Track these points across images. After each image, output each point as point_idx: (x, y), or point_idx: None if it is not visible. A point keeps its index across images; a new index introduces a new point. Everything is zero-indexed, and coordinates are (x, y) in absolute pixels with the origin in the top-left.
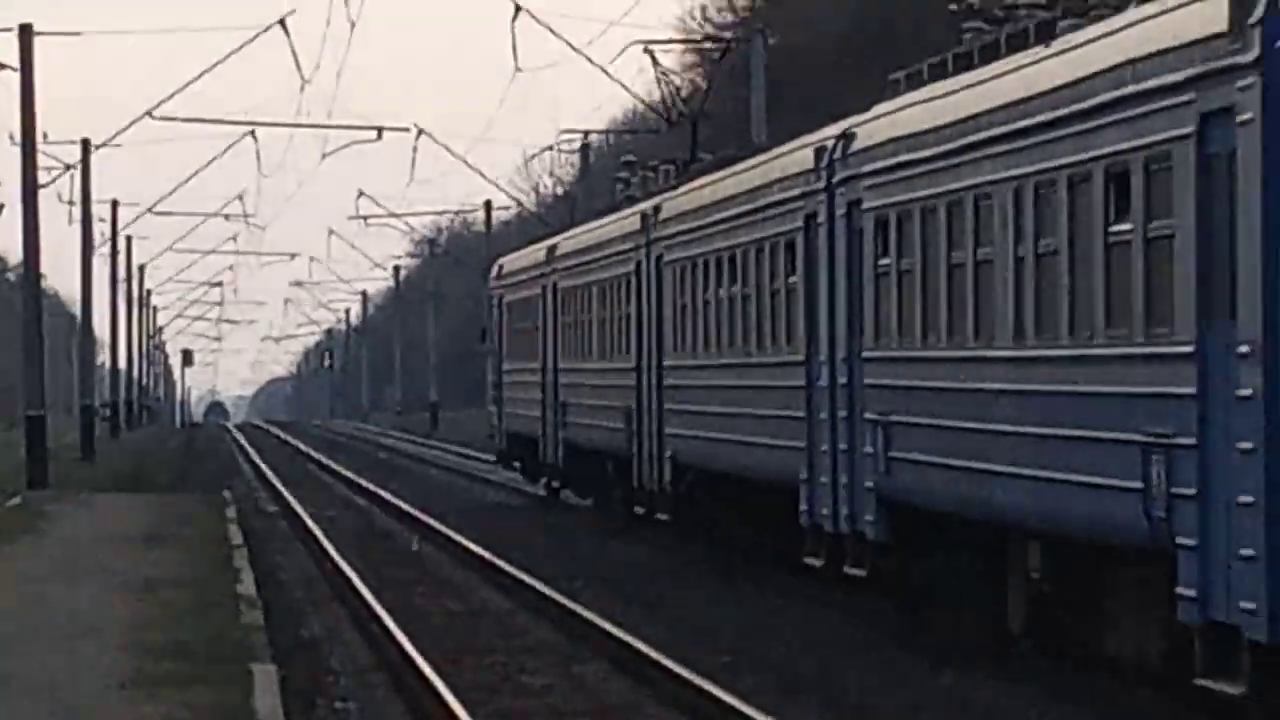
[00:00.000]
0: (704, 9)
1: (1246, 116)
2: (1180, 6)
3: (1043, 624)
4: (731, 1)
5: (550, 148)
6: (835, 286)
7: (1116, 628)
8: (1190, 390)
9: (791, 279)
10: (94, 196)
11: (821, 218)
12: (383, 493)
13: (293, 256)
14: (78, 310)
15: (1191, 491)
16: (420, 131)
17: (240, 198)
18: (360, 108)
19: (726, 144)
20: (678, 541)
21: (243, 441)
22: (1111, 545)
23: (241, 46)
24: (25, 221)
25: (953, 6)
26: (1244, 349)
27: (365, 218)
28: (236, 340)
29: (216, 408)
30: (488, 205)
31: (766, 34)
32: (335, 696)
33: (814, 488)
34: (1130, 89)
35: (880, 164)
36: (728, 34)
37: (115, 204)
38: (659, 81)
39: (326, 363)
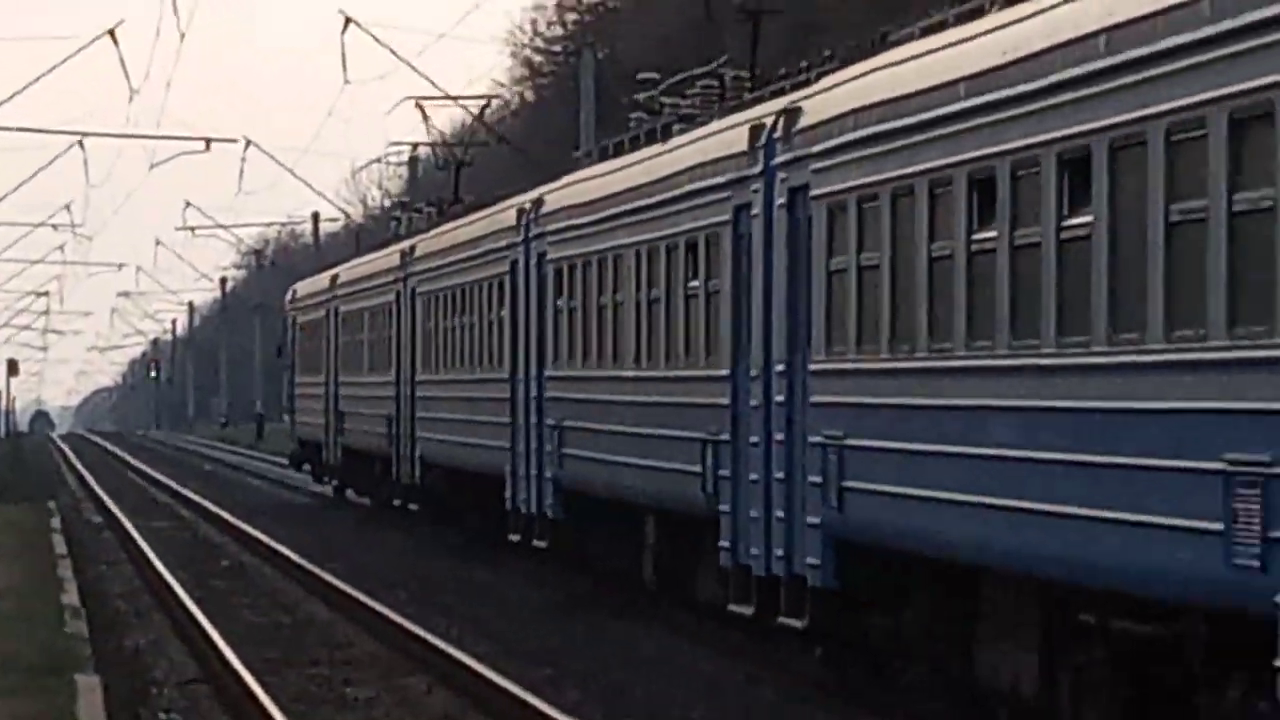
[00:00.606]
0: (534, 23)
1: (755, 211)
2: (726, 130)
3: (662, 576)
4: (561, 16)
5: (378, 160)
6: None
7: (701, 576)
8: (727, 401)
9: (502, 311)
10: None
11: (520, 265)
12: (207, 504)
13: (120, 267)
14: None
15: (728, 473)
16: (248, 143)
17: (68, 207)
18: (189, 119)
19: (559, 158)
20: (420, 524)
21: (67, 452)
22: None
23: (71, 56)
24: None
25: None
26: (753, 372)
27: (193, 229)
28: (62, 350)
29: (42, 417)
30: (315, 217)
31: (595, 48)
32: (159, 707)
33: (515, 479)
34: (696, 185)
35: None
36: (556, 48)
37: None
38: (429, 132)
39: (152, 373)
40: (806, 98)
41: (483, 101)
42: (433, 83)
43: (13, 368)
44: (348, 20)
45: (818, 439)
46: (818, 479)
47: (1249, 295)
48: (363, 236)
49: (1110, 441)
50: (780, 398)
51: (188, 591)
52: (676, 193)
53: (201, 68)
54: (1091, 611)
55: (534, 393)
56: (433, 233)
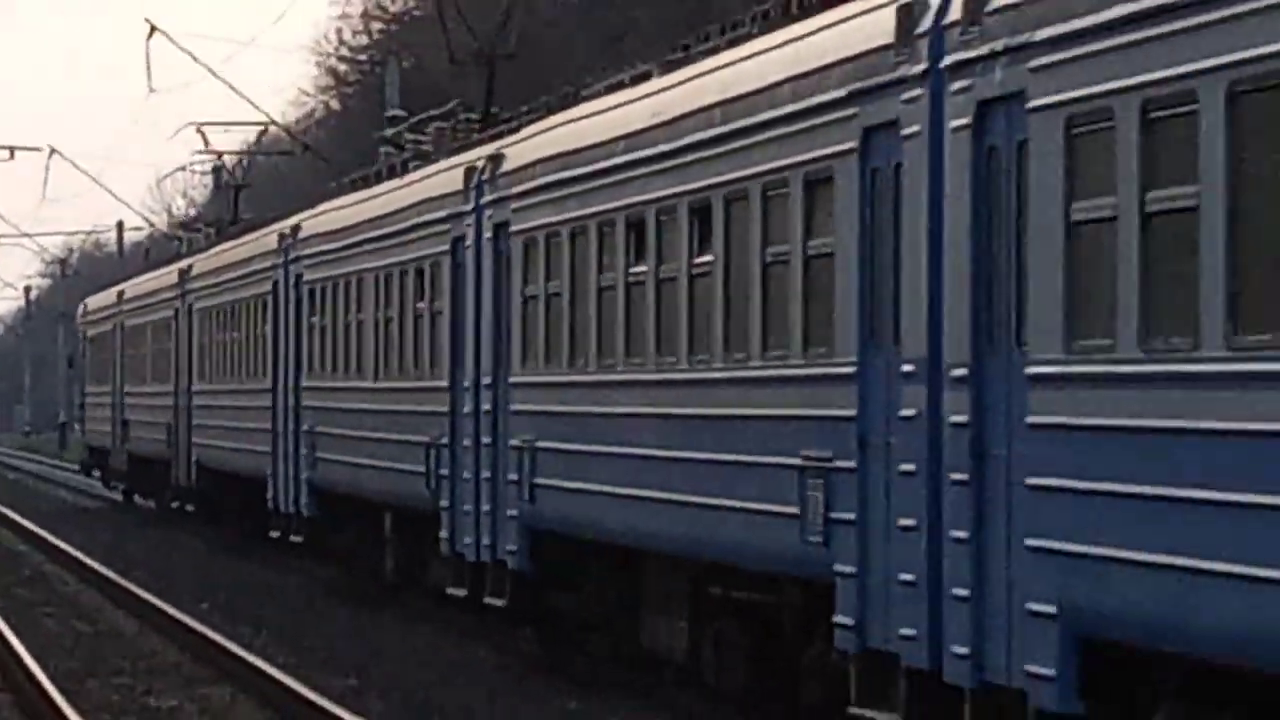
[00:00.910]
0: (339, 31)
1: (469, 243)
2: (446, 170)
3: (400, 567)
4: (367, 25)
5: (183, 168)
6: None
7: (431, 566)
8: (446, 409)
9: (265, 327)
10: None
11: (280, 284)
12: (10, 513)
13: None
14: None
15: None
16: (52, 151)
17: None
18: None
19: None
20: (199, 525)
21: None
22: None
23: None
24: None
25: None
26: (467, 384)
27: None
28: None
29: None
30: (120, 226)
31: (401, 57)
32: None
33: (276, 481)
34: (422, 218)
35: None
36: (362, 57)
37: None
38: (210, 158)
39: None
40: (509, 145)
41: (260, 127)
42: (237, 90)
43: None
44: (153, 28)
45: (515, 442)
46: (515, 476)
47: (817, 325)
48: (163, 248)
49: (727, 442)
50: (487, 406)
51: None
52: (406, 224)
53: (3, 74)
54: (720, 584)
55: (291, 401)
56: (208, 253)
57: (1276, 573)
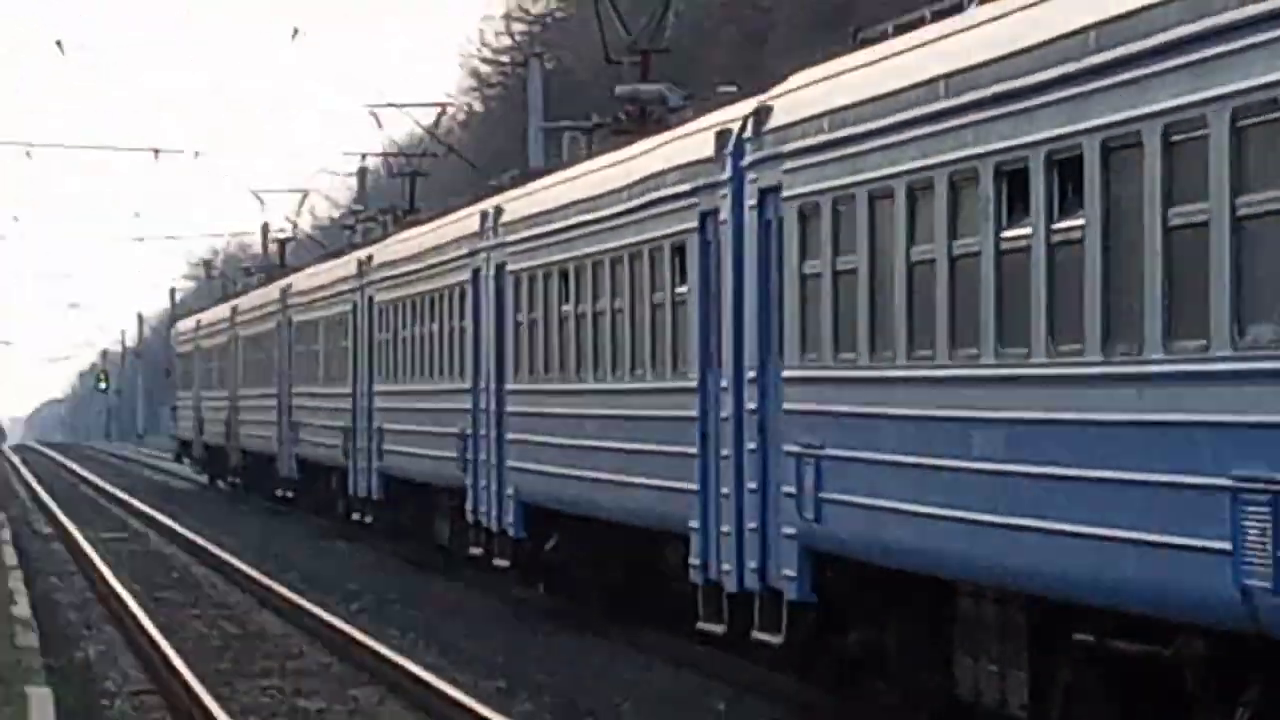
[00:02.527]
0: (481, 34)
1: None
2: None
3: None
4: (509, 26)
5: (326, 169)
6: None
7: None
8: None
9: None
10: None
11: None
12: (159, 515)
13: (69, 277)
14: None
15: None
16: (197, 154)
17: (16, 218)
18: (138, 129)
19: (507, 169)
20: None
21: (17, 464)
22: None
23: (19, 64)
24: None
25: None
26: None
27: (142, 239)
28: (10, 361)
29: None
30: (264, 228)
31: (543, 59)
32: (110, 719)
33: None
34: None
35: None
36: (504, 59)
37: None
38: (383, 142)
39: (101, 384)
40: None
41: (436, 110)
42: (382, 93)
43: None
44: (297, 31)
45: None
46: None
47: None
48: (307, 250)
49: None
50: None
51: (139, 603)
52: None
53: (152, 79)
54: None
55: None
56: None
57: (919, 507)
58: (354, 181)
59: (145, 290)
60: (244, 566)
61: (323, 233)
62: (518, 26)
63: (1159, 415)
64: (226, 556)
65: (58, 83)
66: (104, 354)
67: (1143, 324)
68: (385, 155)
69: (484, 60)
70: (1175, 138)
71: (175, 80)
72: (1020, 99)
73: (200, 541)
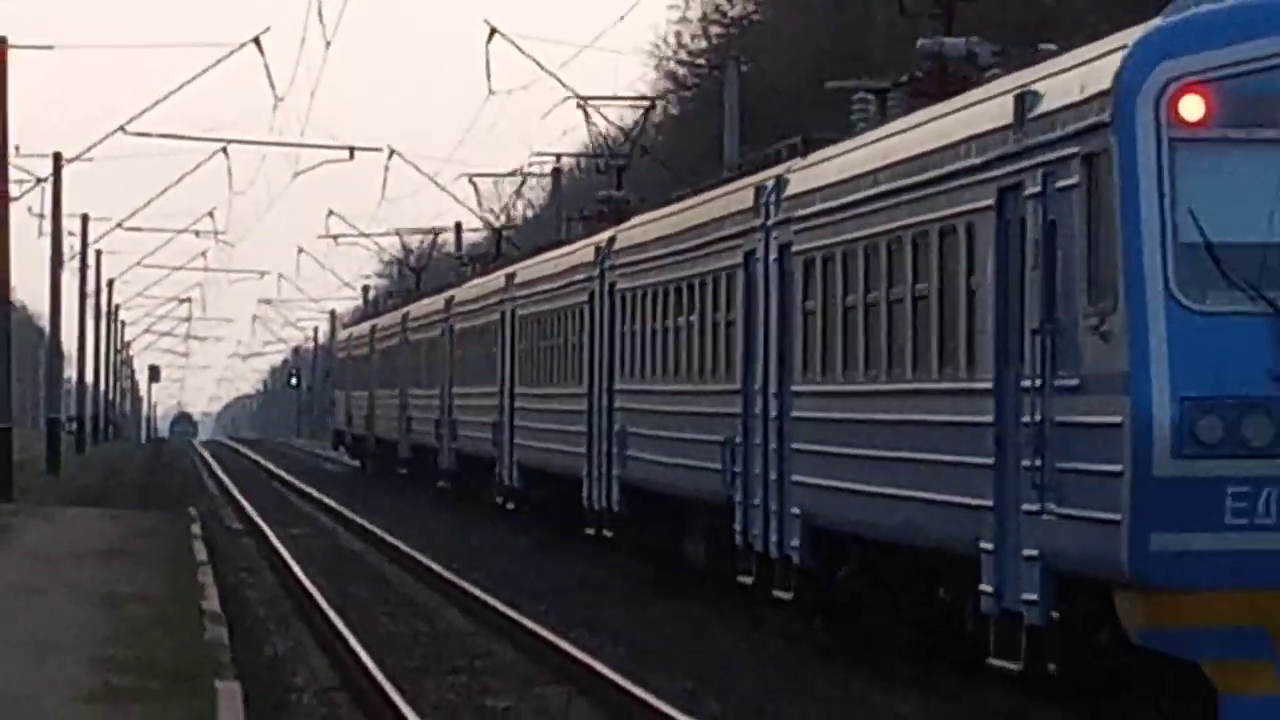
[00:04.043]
0: (678, 35)
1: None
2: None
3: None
4: (705, 29)
5: (520, 170)
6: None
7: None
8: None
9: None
10: (64, 210)
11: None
12: (346, 512)
13: (262, 274)
14: (46, 324)
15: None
16: (392, 152)
17: (211, 214)
18: (333, 127)
19: (701, 178)
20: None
21: (208, 458)
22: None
23: (216, 63)
24: None
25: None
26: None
27: (335, 237)
28: (204, 357)
29: (183, 419)
30: (458, 227)
31: (740, 61)
32: (298, 715)
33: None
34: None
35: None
36: (701, 61)
37: (85, 218)
38: (589, 135)
39: (293, 381)
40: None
41: (645, 104)
42: (576, 94)
43: (154, 374)
44: (493, 31)
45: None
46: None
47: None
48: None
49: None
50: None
51: (327, 599)
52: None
53: (346, 76)
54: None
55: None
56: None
57: (885, 489)
58: (547, 181)
59: (337, 288)
60: (461, 577)
61: (516, 232)
62: (714, 29)
63: (935, 417)
64: (426, 560)
65: (254, 81)
66: (295, 350)
67: (913, 357)
68: (580, 156)
69: (679, 62)
70: (912, 241)
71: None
72: (888, 198)
73: (398, 544)
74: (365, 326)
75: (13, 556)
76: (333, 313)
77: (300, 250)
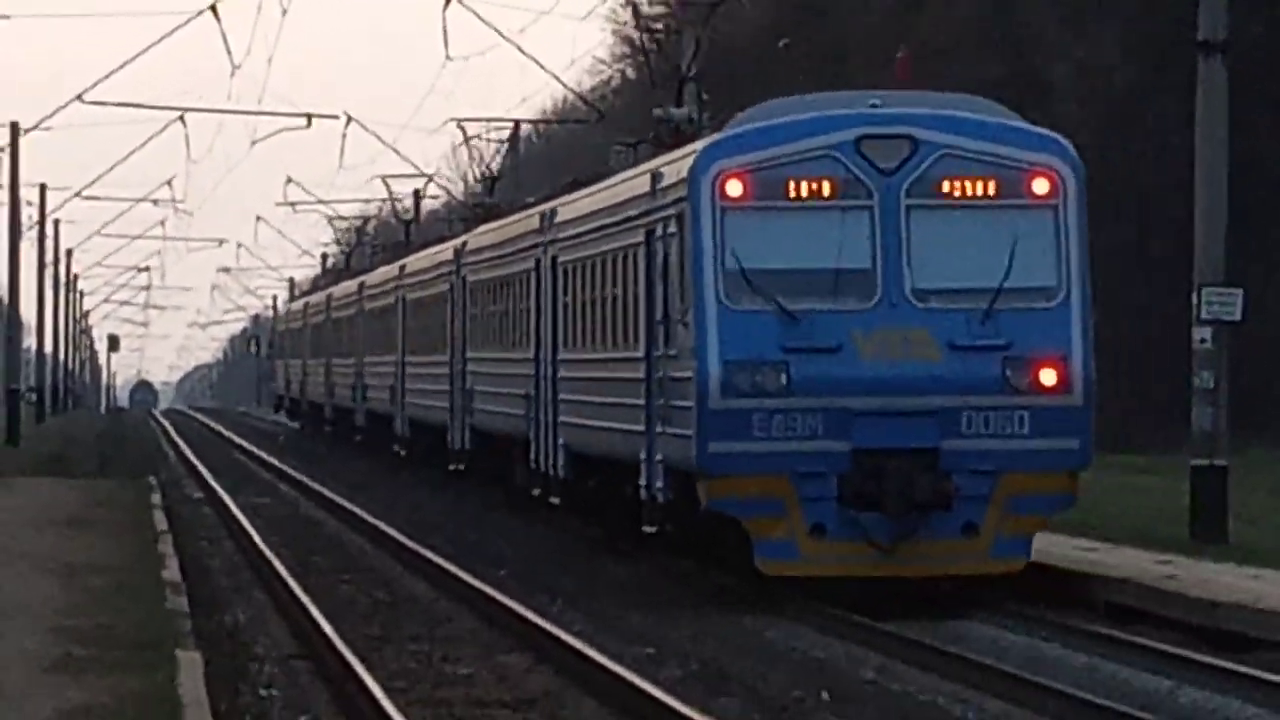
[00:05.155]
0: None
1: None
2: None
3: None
4: None
5: (478, 136)
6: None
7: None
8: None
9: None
10: (22, 180)
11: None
12: (307, 480)
13: (220, 243)
14: (4, 294)
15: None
16: (349, 119)
17: (169, 183)
18: (290, 94)
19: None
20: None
21: (168, 427)
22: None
23: (173, 31)
24: None
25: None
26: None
27: (293, 204)
28: (163, 326)
29: (144, 387)
30: (416, 194)
31: (696, 26)
32: (259, 683)
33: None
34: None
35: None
36: (657, 25)
37: (43, 187)
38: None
39: (253, 349)
40: (560, 204)
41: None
42: (535, 60)
43: (113, 343)
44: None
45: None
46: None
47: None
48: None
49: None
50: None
51: (287, 567)
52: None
53: (303, 44)
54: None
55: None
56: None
57: (603, 423)
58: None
59: (296, 256)
60: (454, 562)
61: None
62: None
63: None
64: (410, 540)
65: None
66: (255, 319)
67: (611, 336)
68: (535, 122)
69: (637, 27)
70: (610, 260)
71: (324, 45)
72: (599, 231)
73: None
74: (300, 303)
75: None
76: (291, 280)
77: (259, 219)
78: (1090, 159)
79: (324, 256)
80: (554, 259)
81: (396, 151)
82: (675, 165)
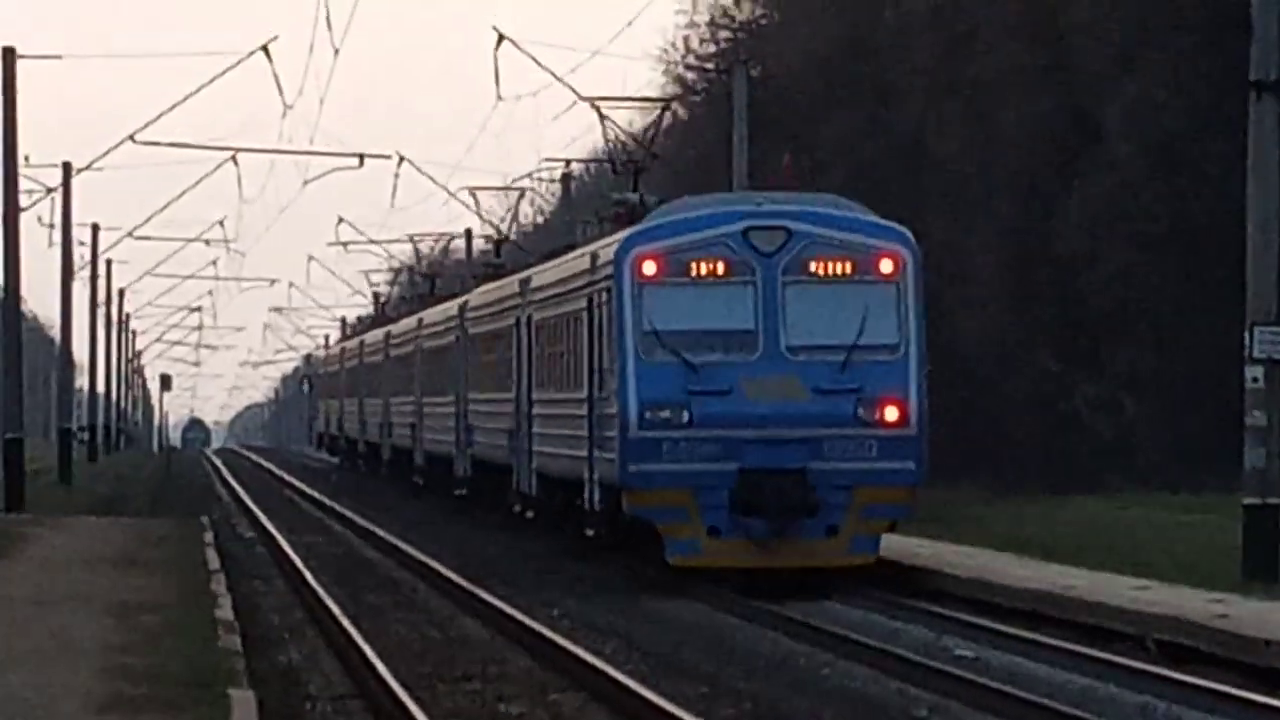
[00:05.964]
0: (686, 39)
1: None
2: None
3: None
4: (714, 33)
5: (530, 175)
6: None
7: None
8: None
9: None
10: (75, 220)
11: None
12: (359, 519)
13: (272, 282)
14: (57, 333)
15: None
16: (401, 158)
17: (221, 223)
18: (342, 134)
19: (710, 178)
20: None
21: (219, 466)
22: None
23: (225, 71)
24: (6, 244)
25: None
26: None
27: (345, 244)
28: (215, 365)
29: (196, 425)
30: (468, 233)
31: (749, 65)
32: None
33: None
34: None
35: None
36: (709, 65)
37: (96, 227)
38: (605, 137)
39: (304, 388)
40: (535, 273)
41: (659, 105)
42: (586, 99)
43: (166, 383)
44: (501, 37)
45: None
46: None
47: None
48: (512, 256)
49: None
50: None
51: (340, 606)
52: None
53: (355, 84)
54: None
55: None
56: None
57: (560, 450)
58: (558, 188)
59: (347, 295)
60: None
61: (524, 238)
62: (723, 33)
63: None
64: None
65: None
66: (307, 358)
67: (566, 380)
68: (587, 162)
69: (688, 67)
70: (564, 322)
71: (374, 86)
72: (555, 298)
73: (414, 552)
74: (337, 348)
75: (26, 566)
76: (343, 320)
77: (310, 258)
78: (1141, 198)
79: (376, 295)
80: (530, 317)
81: (449, 192)
82: (607, 249)
